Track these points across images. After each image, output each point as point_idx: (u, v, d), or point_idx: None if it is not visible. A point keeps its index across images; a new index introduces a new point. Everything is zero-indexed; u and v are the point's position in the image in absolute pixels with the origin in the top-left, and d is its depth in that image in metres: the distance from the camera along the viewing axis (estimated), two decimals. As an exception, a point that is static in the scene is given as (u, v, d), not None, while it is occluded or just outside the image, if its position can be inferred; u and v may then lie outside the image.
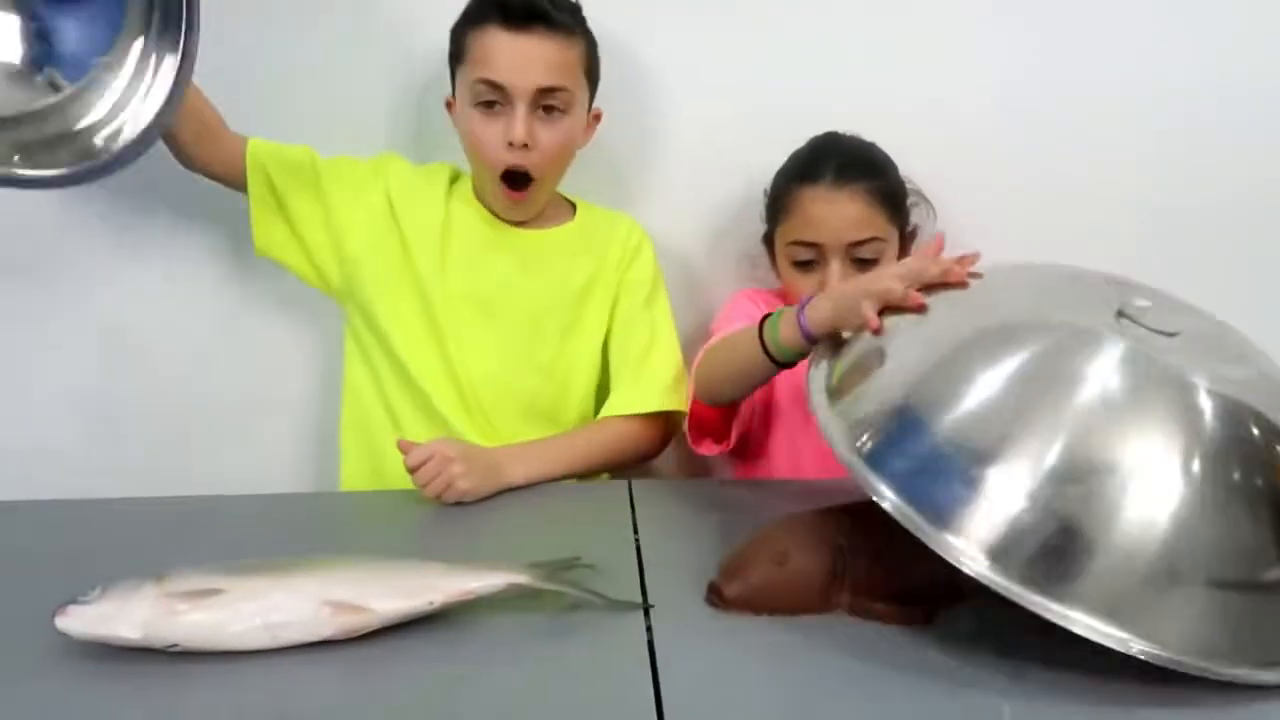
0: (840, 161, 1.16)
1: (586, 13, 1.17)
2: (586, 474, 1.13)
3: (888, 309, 0.84)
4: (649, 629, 0.74)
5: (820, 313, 0.92)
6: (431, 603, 0.73)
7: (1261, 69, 1.32)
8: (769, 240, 1.24)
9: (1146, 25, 1.30)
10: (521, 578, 0.76)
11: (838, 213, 1.14)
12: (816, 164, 1.17)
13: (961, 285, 0.84)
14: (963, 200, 1.30)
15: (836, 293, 0.92)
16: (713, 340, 1.13)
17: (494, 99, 1.12)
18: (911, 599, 0.75)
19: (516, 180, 1.16)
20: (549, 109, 1.13)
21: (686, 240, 1.34)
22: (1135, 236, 1.33)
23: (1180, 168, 1.33)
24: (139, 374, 1.30)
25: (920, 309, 0.83)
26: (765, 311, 1.11)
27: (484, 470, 1.02)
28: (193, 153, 1.14)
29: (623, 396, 1.18)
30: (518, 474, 1.06)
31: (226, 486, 1.05)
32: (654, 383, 1.18)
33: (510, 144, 1.12)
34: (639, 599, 0.79)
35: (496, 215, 1.21)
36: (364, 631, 0.71)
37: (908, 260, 0.90)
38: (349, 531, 0.99)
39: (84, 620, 0.69)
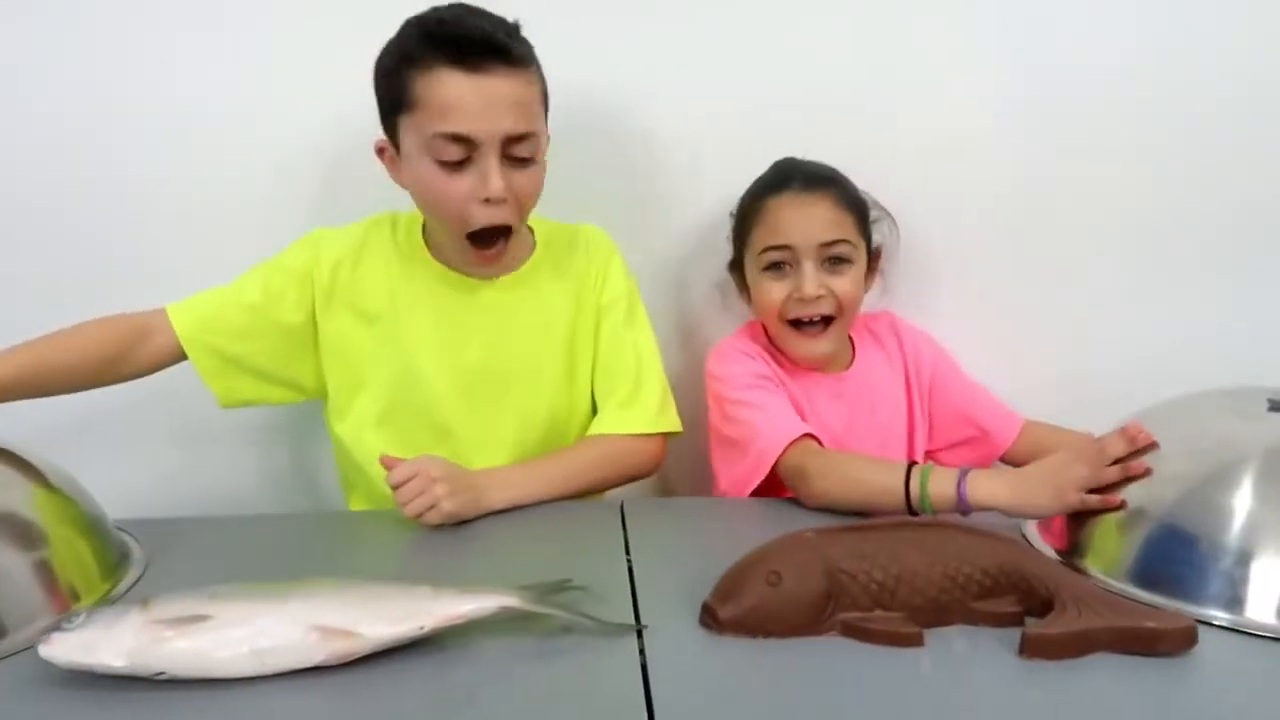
0: (805, 173, 1.18)
1: (554, 24, 1.07)
2: (574, 496, 1.12)
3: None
4: (641, 651, 0.74)
5: (988, 493, 0.92)
6: (422, 627, 0.72)
7: (1261, 64, 1.32)
8: (736, 265, 1.24)
9: (1138, 23, 1.30)
10: (512, 600, 0.75)
11: (808, 214, 1.15)
12: (783, 176, 1.19)
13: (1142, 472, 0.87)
14: (945, 209, 1.31)
15: (1018, 477, 0.93)
16: (814, 457, 1.05)
17: (460, 155, 1.00)
18: (906, 620, 0.75)
19: (492, 237, 1.06)
20: (518, 156, 1.02)
21: (660, 242, 1.34)
22: (1125, 242, 1.34)
23: (1176, 168, 1.34)
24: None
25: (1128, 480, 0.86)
26: (766, 370, 1.15)
27: (469, 492, 1.01)
28: (112, 376, 1.07)
29: (613, 416, 1.16)
30: (502, 498, 1.04)
31: (224, 506, 1.05)
32: (646, 405, 1.16)
33: (487, 200, 1.02)
34: (631, 621, 0.78)
35: (457, 268, 1.14)
36: (354, 657, 0.70)
37: (1085, 449, 0.90)
38: (337, 553, 0.98)
39: (68, 648, 0.68)
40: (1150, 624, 0.72)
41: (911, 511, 0.96)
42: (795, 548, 0.78)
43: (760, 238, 1.17)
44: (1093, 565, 0.87)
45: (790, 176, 1.18)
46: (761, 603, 0.75)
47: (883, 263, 1.25)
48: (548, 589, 0.80)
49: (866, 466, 1.02)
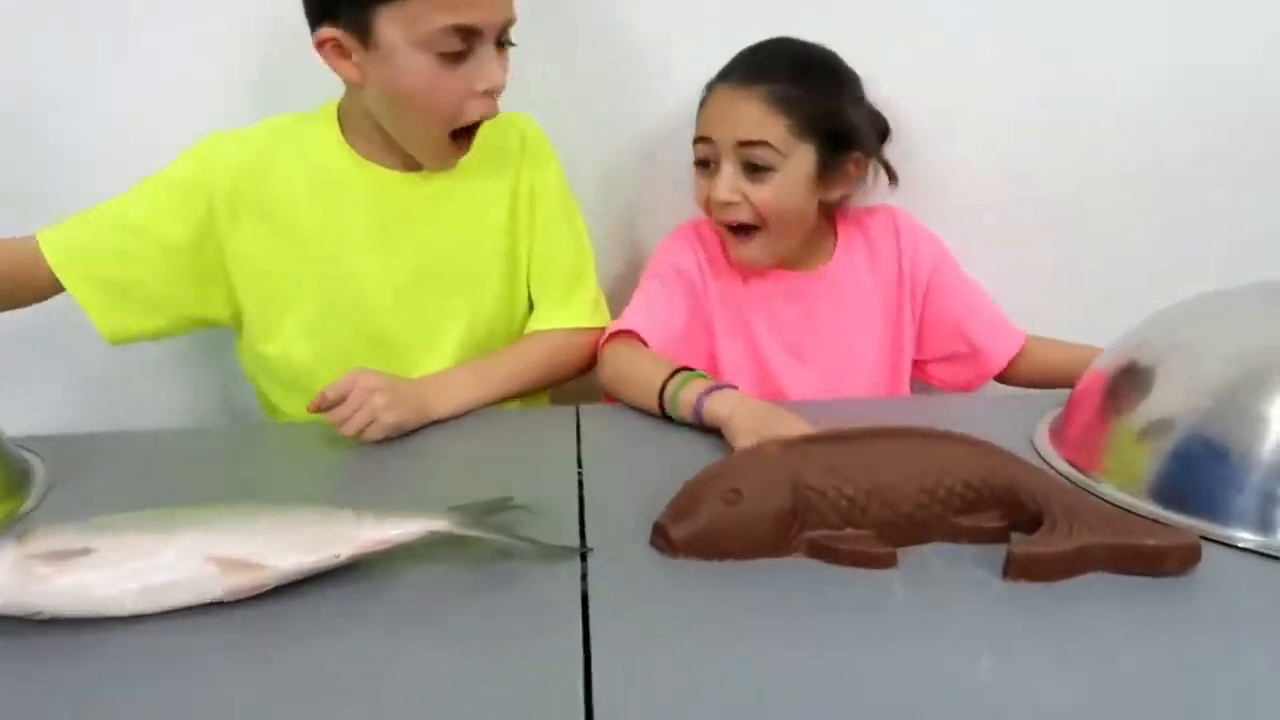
0: (762, 60, 1.05)
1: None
2: (520, 395, 1.04)
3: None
4: (584, 577, 0.66)
5: (713, 412, 0.88)
6: (337, 556, 0.64)
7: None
8: None
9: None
10: (441, 524, 0.67)
11: (733, 110, 1.03)
12: (739, 61, 1.06)
13: None
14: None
15: (750, 411, 0.86)
16: (618, 350, 1.03)
17: (461, 46, 0.92)
18: (877, 539, 0.67)
19: (474, 131, 1.00)
20: (506, 43, 0.97)
21: (617, 158, 1.22)
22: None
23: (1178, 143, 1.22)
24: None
25: None
26: (689, 265, 1.06)
27: (411, 401, 0.93)
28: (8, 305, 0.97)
29: (554, 311, 1.08)
30: (447, 405, 0.96)
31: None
32: (585, 298, 1.10)
33: (486, 92, 0.95)
34: (576, 543, 0.70)
35: (381, 163, 1.02)
36: (258, 591, 0.63)
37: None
38: (261, 472, 0.89)
39: (-68, 587, 0.60)
40: (1152, 541, 0.64)
41: (664, 415, 0.92)
42: (758, 462, 0.70)
43: (697, 128, 1.07)
44: (1108, 480, 0.79)
45: (739, 64, 1.06)
46: (718, 522, 0.67)
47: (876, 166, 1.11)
48: (484, 509, 0.72)
49: (646, 364, 0.97)
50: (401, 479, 0.85)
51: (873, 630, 0.60)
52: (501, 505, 0.73)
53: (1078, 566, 0.65)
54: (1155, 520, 0.71)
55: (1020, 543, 0.65)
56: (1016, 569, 0.64)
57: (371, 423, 0.90)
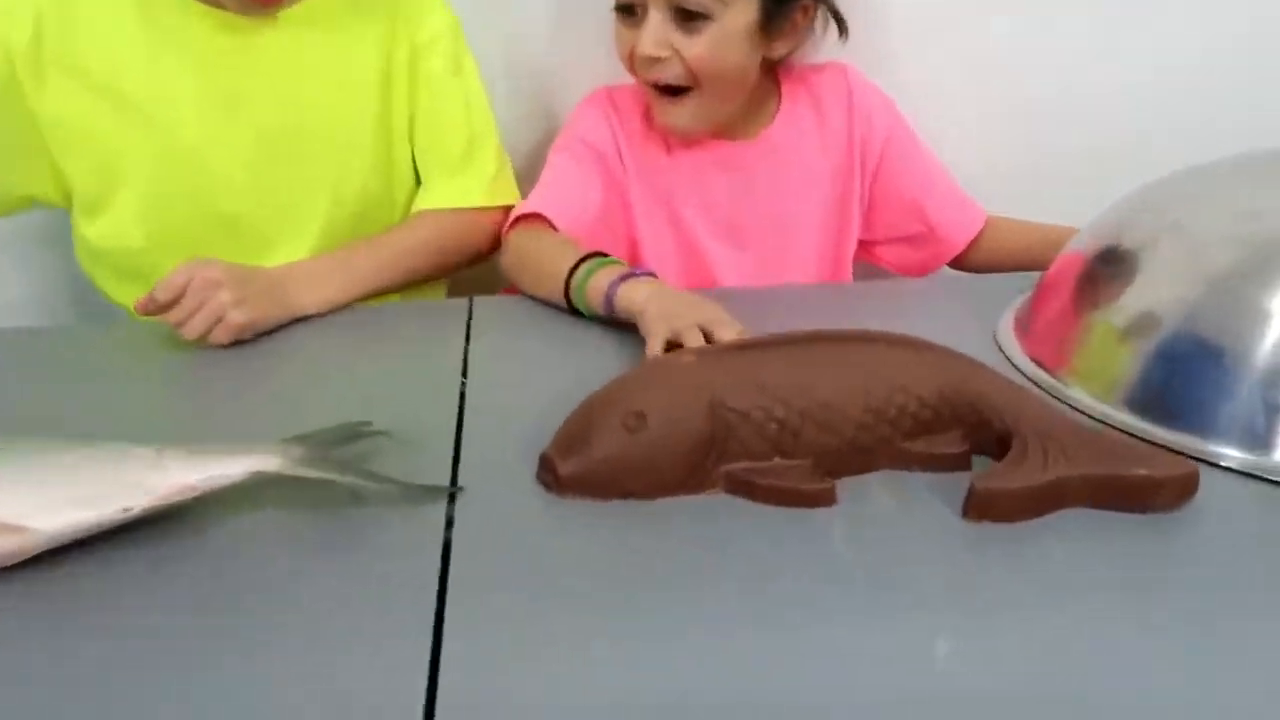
0: None
1: None
2: (405, 286, 0.89)
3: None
4: (449, 524, 0.54)
5: (628, 299, 0.74)
6: (128, 509, 0.50)
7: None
8: None
9: None
10: (270, 462, 0.54)
11: None
12: None
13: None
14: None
15: (667, 300, 0.72)
16: (521, 236, 0.88)
17: None
18: (813, 471, 0.55)
19: None
20: None
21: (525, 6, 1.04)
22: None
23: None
24: None
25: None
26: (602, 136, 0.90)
27: (265, 295, 0.78)
28: None
29: (442, 187, 0.93)
30: (312, 299, 0.82)
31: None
32: (481, 171, 0.93)
33: None
34: (446, 478, 0.57)
35: (230, 6, 0.84)
36: (22, 558, 0.49)
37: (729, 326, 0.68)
38: (66, 393, 0.73)
39: None
40: (1142, 470, 0.53)
41: (574, 310, 0.78)
42: (666, 378, 0.56)
43: None
44: (1078, 383, 0.67)
45: None
46: (616, 453, 0.54)
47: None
48: (334, 438, 0.58)
49: (551, 250, 0.83)
50: (247, 394, 0.71)
51: (805, 589, 0.48)
52: (355, 432, 0.60)
53: (1051, 502, 0.53)
54: (1142, 440, 0.59)
55: (984, 476, 0.53)
56: (978, 507, 0.53)
57: (218, 322, 0.75)
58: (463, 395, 0.68)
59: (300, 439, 0.57)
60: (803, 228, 0.98)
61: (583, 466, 0.54)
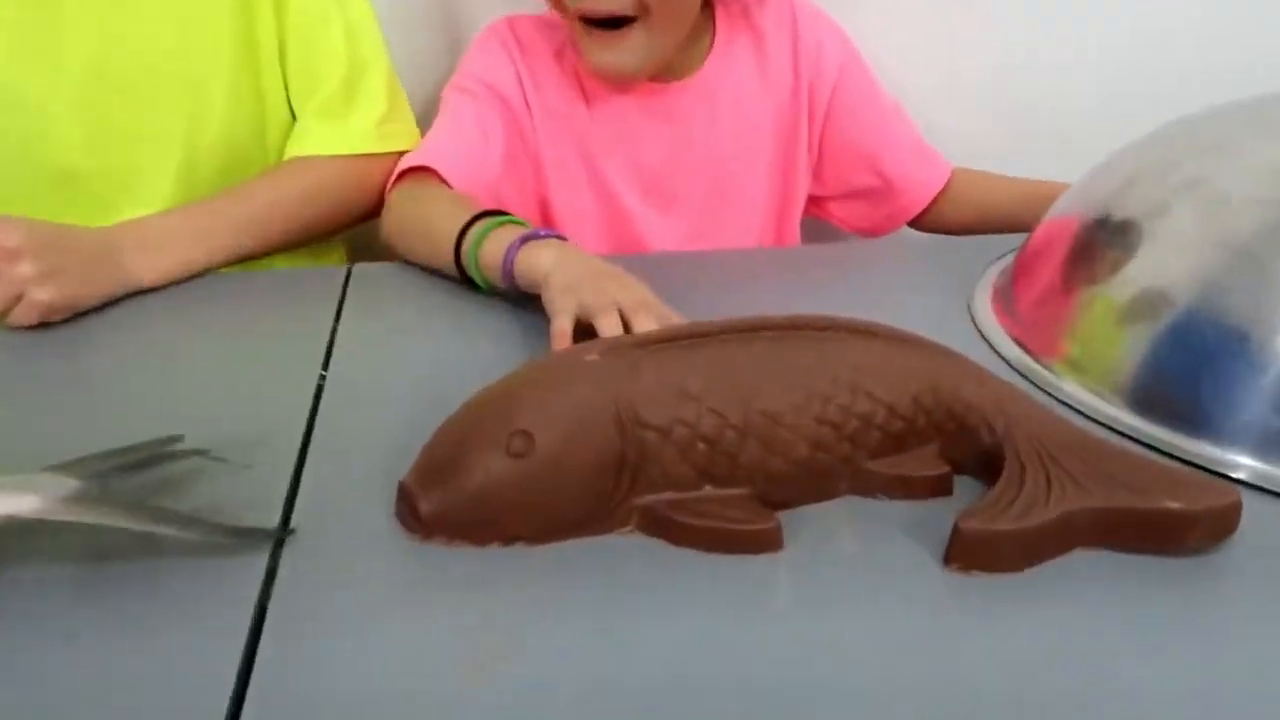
0: None
1: None
2: (272, 250, 0.74)
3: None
4: (269, 577, 0.40)
5: (530, 263, 0.60)
6: None
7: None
8: None
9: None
10: (24, 503, 0.40)
11: None
12: None
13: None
14: None
15: (574, 267, 0.59)
16: (406, 192, 0.74)
17: None
18: (753, 503, 0.43)
19: None
20: None
21: None
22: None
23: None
24: None
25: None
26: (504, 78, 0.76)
27: (88, 264, 0.63)
28: None
29: (317, 129, 0.77)
30: (149, 269, 0.67)
31: None
32: (365, 111, 0.78)
33: None
34: (275, 515, 0.44)
35: None
36: None
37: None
38: None
39: None
40: (1173, 503, 0.41)
41: (467, 280, 0.65)
42: (562, 383, 0.43)
43: None
44: (1070, 374, 0.56)
45: None
46: (495, 485, 0.41)
47: None
48: (127, 461, 0.44)
49: (441, 209, 0.69)
50: (34, 395, 0.56)
51: (735, 665, 0.36)
52: (159, 452, 0.46)
53: (1057, 545, 0.41)
54: (1166, 459, 0.48)
55: (972, 512, 0.41)
56: (964, 553, 0.41)
57: (18, 300, 0.60)
58: (319, 393, 0.54)
59: (74, 465, 0.43)
60: (743, 183, 0.85)
61: (450, 502, 0.41)
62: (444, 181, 0.73)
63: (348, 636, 0.38)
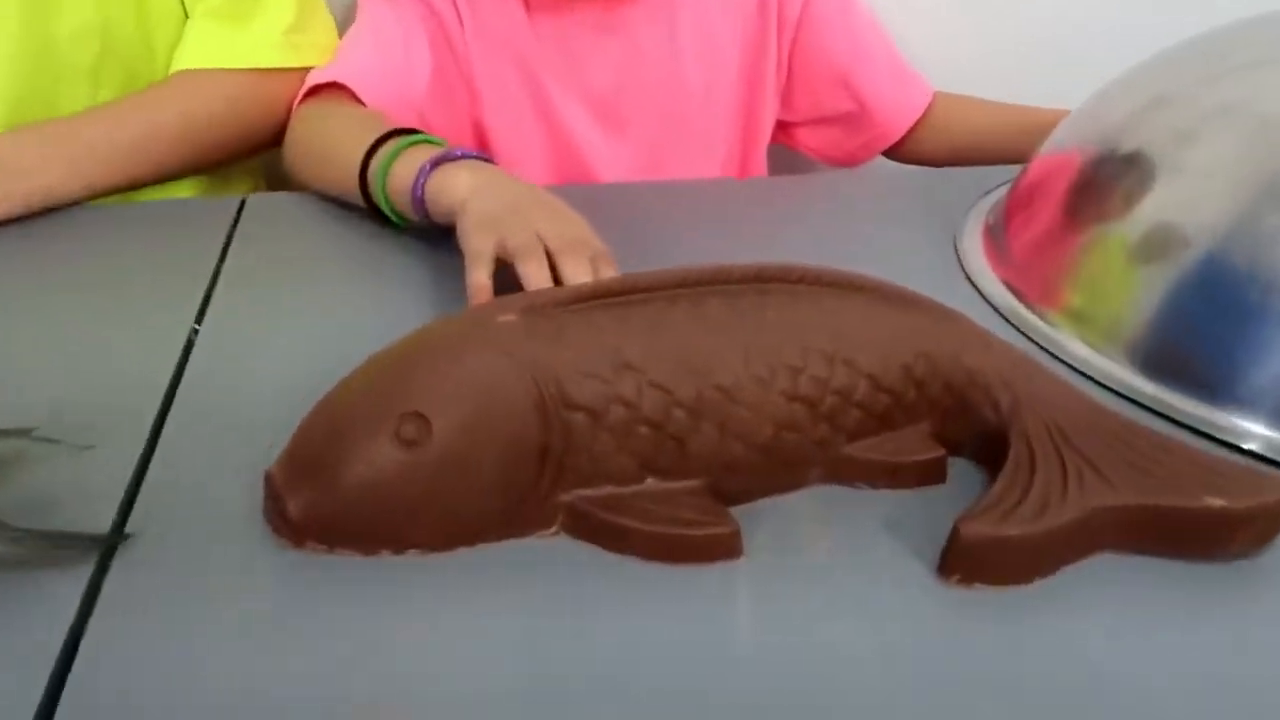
0: None
1: None
2: (154, 179, 0.64)
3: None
4: (89, 594, 0.32)
5: (441, 185, 0.50)
6: None
7: None
8: None
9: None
10: None
11: None
12: None
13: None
14: None
15: (495, 195, 0.49)
16: (313, 111, 0.64)
17: None
18: (705, 497, 0.35)
19: None
20: None
21: None
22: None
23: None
24: None
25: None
26: None
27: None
28: None
29: (209, 36, 0.66)
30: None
31: None
32: (270, 19, 0.67)
33: None
34: (108, 518, 0.35)
35: None
36: None
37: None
38: None
39: None
40: (1215, 500, 0.34)
41: (373, 208, 0.55)
42: (468, 351, 0.34)
43: None
44: (1071, 327, 0.48)
45: None
46: (382, 481, 0.32)
47: None
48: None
49: (349, 128, 0.59)
50: None
51: (689, 701, 0.29)
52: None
53: (1076, 549, 0.34)
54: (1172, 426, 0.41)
55: (974, 514, 0.33)
56: (965, 563, 0.33)
57: None
58: (187, 353, 0.45)
59: None
60: (704, 106, 0.75)
61: (324, 503, 0.33)
62: (359, 102, 0.63)
63: (182, 675, 0.29)
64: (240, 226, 0.57)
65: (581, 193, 0.68)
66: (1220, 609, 0.33)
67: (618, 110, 0.74)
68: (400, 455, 0.32)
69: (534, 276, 0.43)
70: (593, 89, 0.73)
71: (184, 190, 0.68)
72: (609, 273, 0.44)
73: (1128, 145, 0.52)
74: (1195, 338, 0.46)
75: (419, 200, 0.51)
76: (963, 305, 0.41)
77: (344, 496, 0.33)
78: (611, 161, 0.74)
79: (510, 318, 0.35)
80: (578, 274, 0.43)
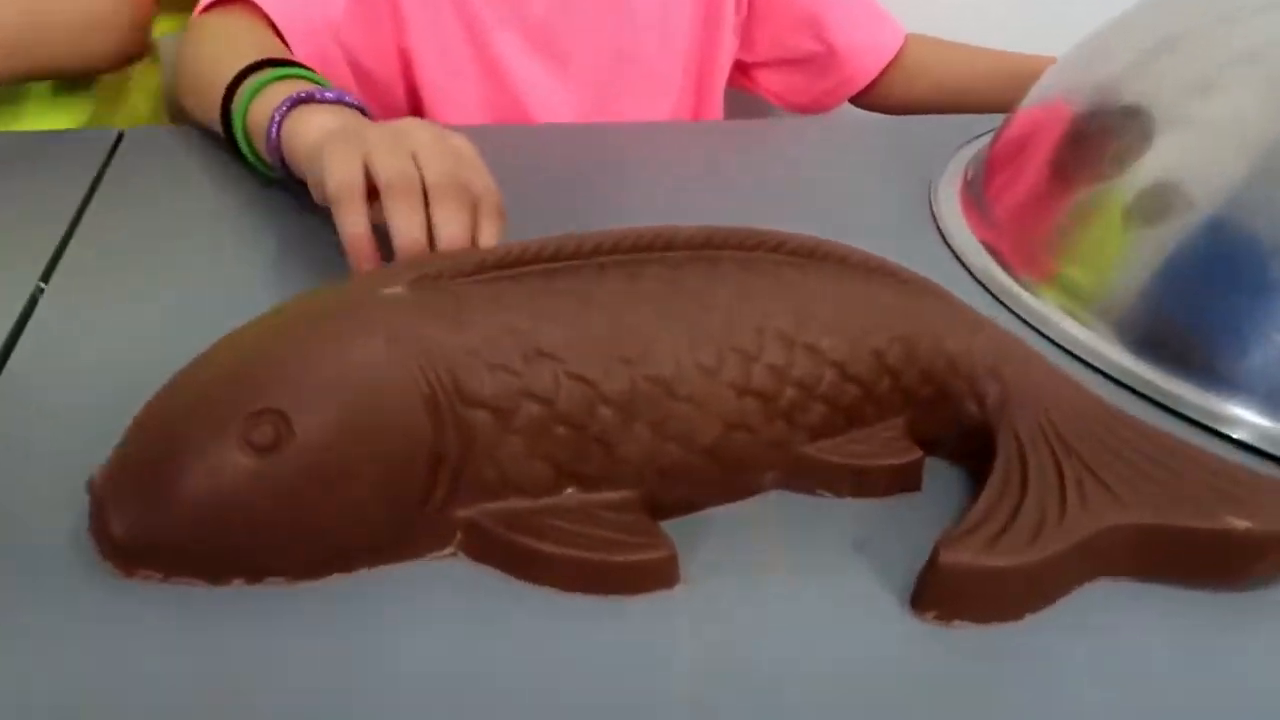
0: None
1: None
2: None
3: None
4: None
5: (295, 127, 0.42)
6: None
7: None
8: None
9: None
10: None
11: None
12: None
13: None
14: None
15: (354, 136, 0.38)
16: (203, 27, 0.55)
17: None
18: (637, 509, 0.29)
19: None
20: None
21: None
22: None
23: None
24: None
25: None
26: None
27: None
28: None
29: None
30: None
31: None
32: None
33: None
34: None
35: None
36: None
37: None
38: None
39: None
40: (1239, 522, 0.28)
41: (231, 140, 0.47)
42: (339, 334, 0.28)
43: None
44: (1056, 299, 0.43)
45: None
46: (227, 495, 0.26)
47: None
48: None
49: (227, 52, 0.50)
50: None
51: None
52: None
53: (1075, 577, 0.28)
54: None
55: (954, 538, 0.28)
56: (944, 595, 0.27)
57: None
58: (24, 319, 0.38)
59: None
60: (655, 43, 0.68)
61: (160, 522, 0.26)
62: (270, 22, 0.54)
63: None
64: (111, 167, 0.49)
65: (517, 134, 0.61)
66: (1238, 641, 0.28)
67: (559, 40, 0.66)
68: (251, 463, 0.26)
69: (403, 224, 0.33)
70: (529, 17, 0.65)
71: (66, 114, 0.60)
72: (490, 226, 0.35)
73: (1128, 95, 0.46)
74: (1194, 311, 0.41)
75: (274, 144, 0.43)
76: (935, 268, 0.36)
77: (181, 514, 0.26)
78: (552, 99, 0.67)
79: (396, 290, 0.28)
80: (449, 222, 0.33)
